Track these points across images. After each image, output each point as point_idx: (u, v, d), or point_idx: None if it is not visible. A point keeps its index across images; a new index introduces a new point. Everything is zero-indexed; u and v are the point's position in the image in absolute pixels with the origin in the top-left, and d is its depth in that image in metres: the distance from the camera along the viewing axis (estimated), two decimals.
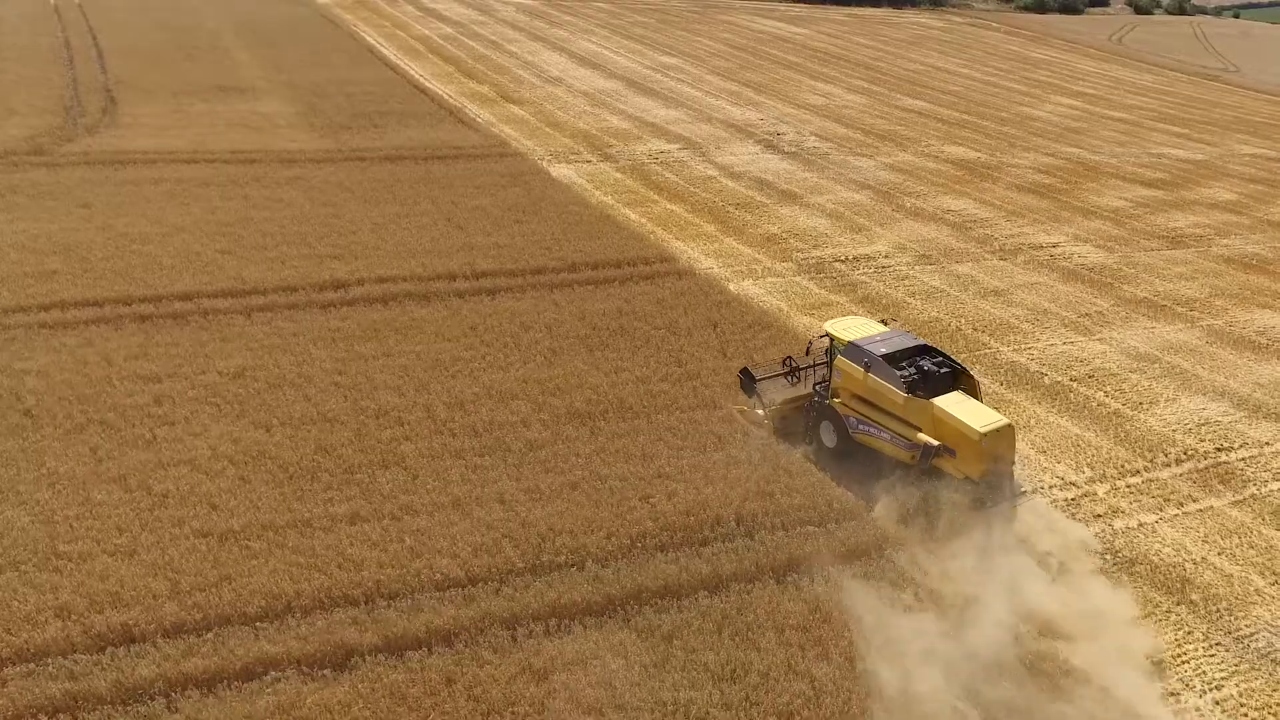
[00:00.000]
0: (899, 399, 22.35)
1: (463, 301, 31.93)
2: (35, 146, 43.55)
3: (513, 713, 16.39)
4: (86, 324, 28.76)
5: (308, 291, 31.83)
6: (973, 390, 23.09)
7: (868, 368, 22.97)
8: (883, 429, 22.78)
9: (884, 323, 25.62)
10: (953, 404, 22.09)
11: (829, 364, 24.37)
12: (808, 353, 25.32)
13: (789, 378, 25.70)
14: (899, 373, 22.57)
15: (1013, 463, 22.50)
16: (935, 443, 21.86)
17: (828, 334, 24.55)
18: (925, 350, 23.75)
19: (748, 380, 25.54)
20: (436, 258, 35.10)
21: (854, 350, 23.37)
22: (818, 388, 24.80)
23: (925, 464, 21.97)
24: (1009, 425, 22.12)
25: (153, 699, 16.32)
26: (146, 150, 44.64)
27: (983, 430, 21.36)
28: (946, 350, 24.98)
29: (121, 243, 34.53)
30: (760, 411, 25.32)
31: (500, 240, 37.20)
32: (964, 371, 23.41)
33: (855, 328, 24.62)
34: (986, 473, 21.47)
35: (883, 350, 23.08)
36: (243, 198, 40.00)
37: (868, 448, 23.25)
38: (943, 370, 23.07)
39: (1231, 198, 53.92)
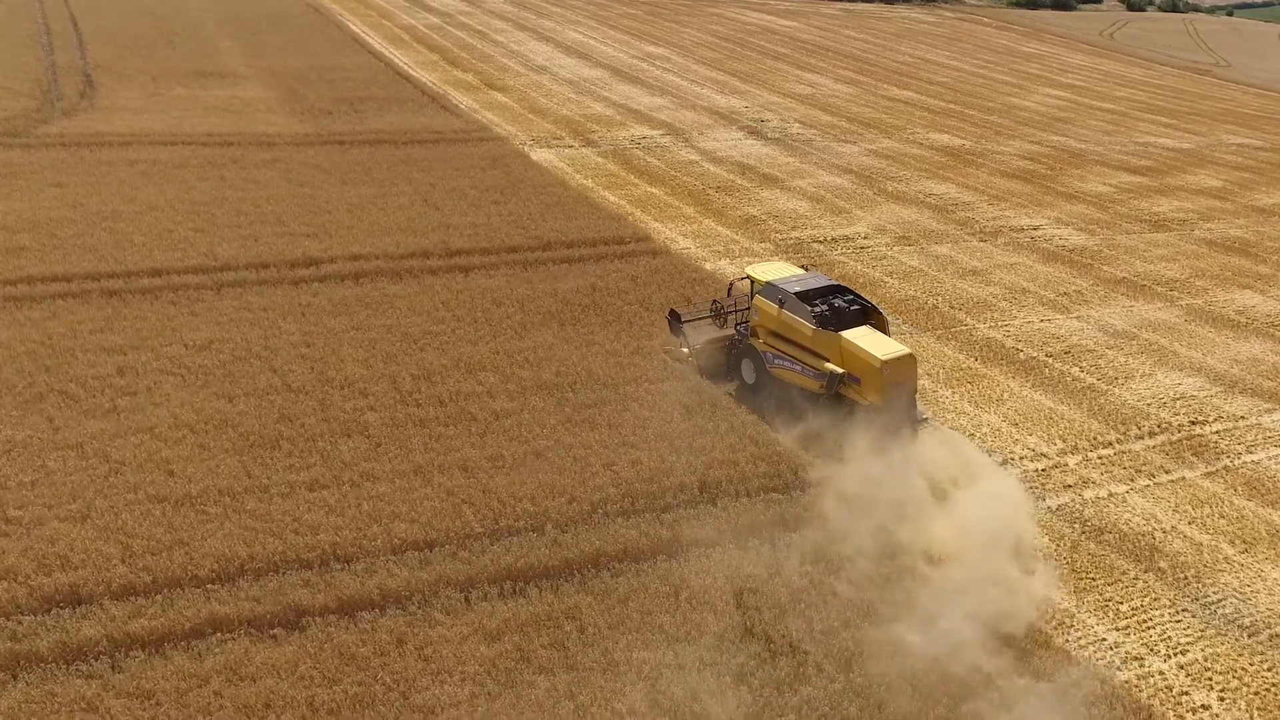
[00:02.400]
0: (809, 331, 23.66)
1: (435, 278, 31.69)
2: (10, 128, 43.14)
3: (462, 672, 16.13)
4: (53, 298, 28.47)
5: (280, 268, 31.56)
6: (881, 326, 24.28)
7: (781, 304, 24.25)
8: (795, 361, 24.02)
9: (804, 268, 26.96)
10: (859, 336, 23.38)
11: (750, 305, 25.64)
12: (729, 294, 26.62)
13: (715, 320, 26.74)
14: (810, 308, 23.85)
15: (915, 390, 23.78)
16: (840, 370, 23.07)
17: (748, 276, 25.81)
18: (838, 290, 25.00)
19: (675, 321, 26.86)
20: (411, 236, 34.83)
21: (770, 289, 24.74)
22: (739, 328, 26.12)
23: (831, 391, 23.22)
24: (910, 355, 23.44)
25: (97, 658, 16.10)
26: (123, 133, 44.26)
27: (884, 358, 22.57)
28: (923, 325, 25.07)
29: (93, 220, 34.23)
30: (685, 350, 26.57)
31: (476, 220, 36.94)
32: (874, 308, 24.61)
33: (774, 270, 26.13)
34: (889, 399, 22.51)
35: (796, 289, 24.45)
36: (219, 179, 39.67)
37: (782, 381, 24.38)
38: (853, 307, 24.32)
39: (1217, 184, 53.79)
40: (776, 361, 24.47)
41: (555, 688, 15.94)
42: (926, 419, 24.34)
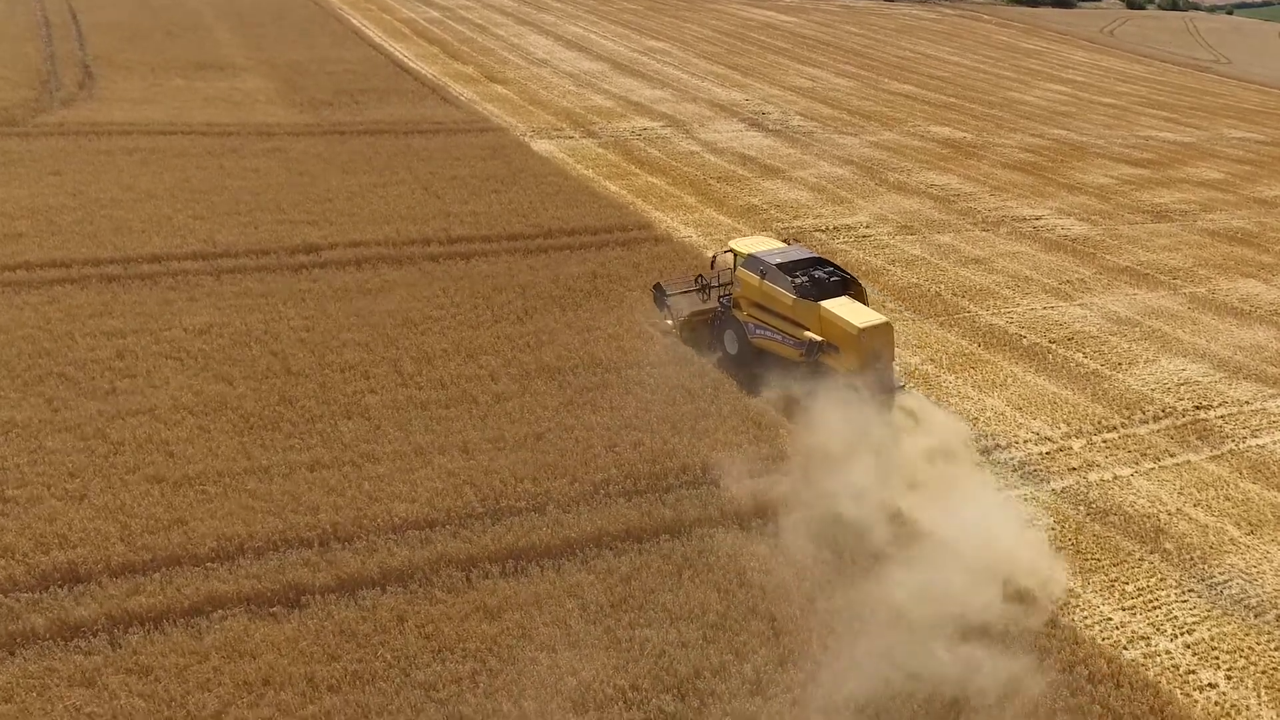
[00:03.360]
0: (789, 301, 24.22)
1: (436, 265, 31.57)
2: (8, 118, 43.07)
3: (463, 650, 15.99)
4: (51, 283, 28.37)
5: (279, 254, 31.44)
6: (860, 296, 24.82)
7: (763, 275, 24.90)
8: (776, 331, 24.65)
9: (785, 242, 27.79)
10: (838, 305, 23.93)
11: (733, 277, 26.34)
12: (712, 267, 27.11)
13: (699, 294, 27.29)
14: (790, 279, 24.38)
15: (892, 358, 24.28)
16: (819, 338, 23.71)
17: (731, 249, 26.49)
18: (819, 262, 25.62)
19: (659, 294, 27.67)
20: (411, 224, 34.71)
21: (752, 261, 25.39)
22: (722, 300, 26.71)
23: (811, 358, 23.78)
24: (887, 323, 23.94)
25: (94, 635, 15.95)
26: (122, 122, 44.17)
27: (861, 326, 23.11)
28: (926, 312, 25.13)
29: (92, 207, 34.13)
30: (670, 322, 27.32)
31: (477, 208, 36.81)
32: (853, 280, 25.15)
33: (757, 244, 26.87)
34: (866, 366, 23.01)
35: (778, 260, 25.08)
36: (218, 167, 39.56)
37: (764, 351, 25.02)
38: (833, 279, 24.83)
39: (1218, 177, 53.61)
40: (758, 332, 25.12)
41: (557, 665, 15.80)
42: (903, 386, 24.65)
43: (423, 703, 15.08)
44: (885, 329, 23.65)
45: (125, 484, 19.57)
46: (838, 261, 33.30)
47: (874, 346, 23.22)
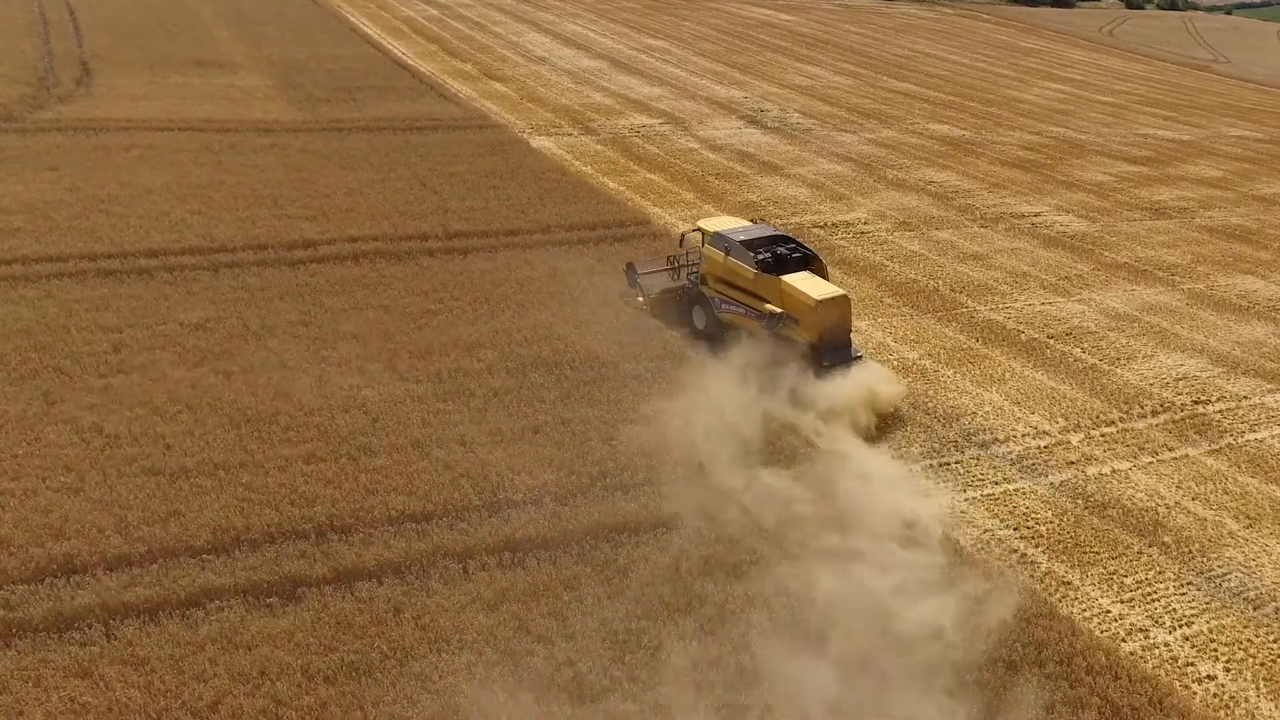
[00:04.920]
0: (750, 275, 25.46)
1: (434, 260, 31.54)
2: (6, 114, 42.92)
3: (459, 641, 15.95)
4: (48, 278, 28.29)
5: (277, 250, 31.36)
6: (821, 272, 26.14)
7: (727, 252, 26.17)
8: (740, 305, 25.87)
9: (752, 221, 29.05)
10: (797, 279, 25.18)
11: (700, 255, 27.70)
12: (681, 245, 28.59)
13: (671, 273, 28.69)
14: (753, 255, 25.64)
15: (849, 329, 25.36)
16: (779, 310, 24.89)
17: (699, 228, 27.86)
18: (782, 239, 26.85)
19: (631, 272, 28.95)
20: (409, 219, 34.66)
21: (718, 239, 26.78)
22: (691, 277, 28.01)
23: (771, 329, 24.90)
24: (844, 296, 25.18)
25: (90, 627, 15.91)
26: (119, 119, 44.04)
27: (819, 299, 24.33)
28: (924, 307, 25.84)
29: (89, 203, 34.03)
30: (641, 299, 28.64)
31: (475, 204, 36.76)
32: (814, 256, 26.50)
33: (723, 223, 28.35)
34: (824, 336, 24.32)
35: (741, 238, 26.41)
36: (216, 164, 39.46)
37: (730, 324, 26.18)
38: (795, 255, 26.15)
39: (1217, 174, 53.60)
40: (724, 306, 26.29)
41: (553, 656, 15.77)
42: (860, 357, 25.36)
43: (419, 694, 15.04)
44: (842, 301, 24.81)
45: (121, 476, 19.54)
46: (834, 258, 33.42)
47: (831, 318, 24.39)
